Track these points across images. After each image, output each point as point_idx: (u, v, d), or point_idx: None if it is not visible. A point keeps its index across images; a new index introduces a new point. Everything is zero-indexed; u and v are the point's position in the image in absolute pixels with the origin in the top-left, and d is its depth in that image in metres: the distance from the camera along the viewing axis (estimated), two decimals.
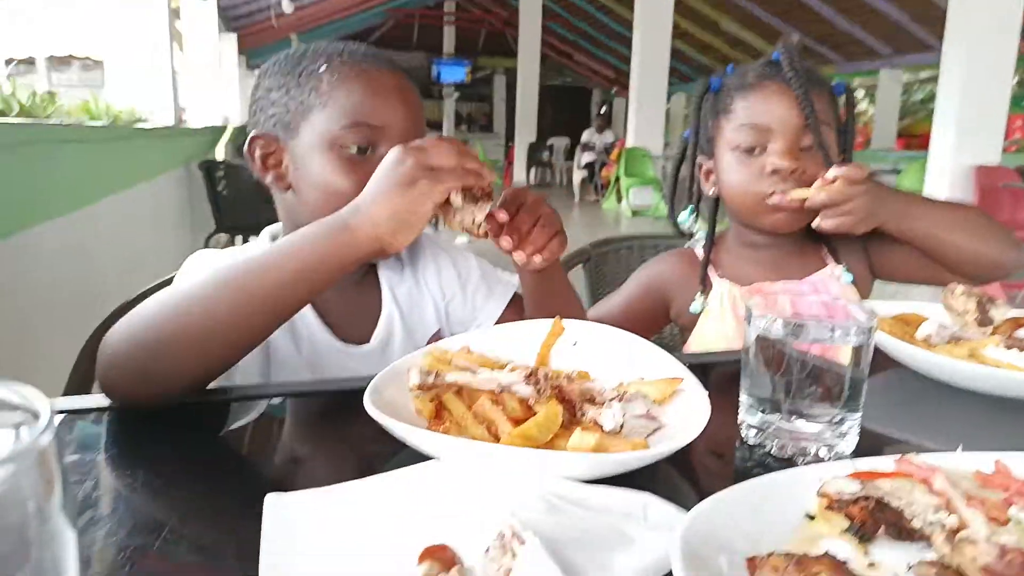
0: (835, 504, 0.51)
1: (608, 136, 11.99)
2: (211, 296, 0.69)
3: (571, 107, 19.01)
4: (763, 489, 0.53)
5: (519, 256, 0.82)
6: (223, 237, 5.03)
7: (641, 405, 0.62)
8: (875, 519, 0.50)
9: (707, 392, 0.66)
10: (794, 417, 0.66)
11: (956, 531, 0.47)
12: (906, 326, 0.93)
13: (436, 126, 19.94)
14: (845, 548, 0.50)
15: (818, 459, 0.65)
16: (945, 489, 0.50)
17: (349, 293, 0.98)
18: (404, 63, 0.95)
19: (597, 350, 0.76)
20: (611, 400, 0.64)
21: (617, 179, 9.98)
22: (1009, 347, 0.83)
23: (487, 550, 0.46)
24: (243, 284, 0.69)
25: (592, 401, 0.65)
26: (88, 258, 2.34)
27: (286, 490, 0.53)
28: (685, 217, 1.22)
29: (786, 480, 0.55)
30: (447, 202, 0.74)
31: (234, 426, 0.73)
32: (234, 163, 4.95)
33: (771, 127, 1.08)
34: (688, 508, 0.49)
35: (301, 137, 0.89)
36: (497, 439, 0.60)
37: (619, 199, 10.00)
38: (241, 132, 9.29)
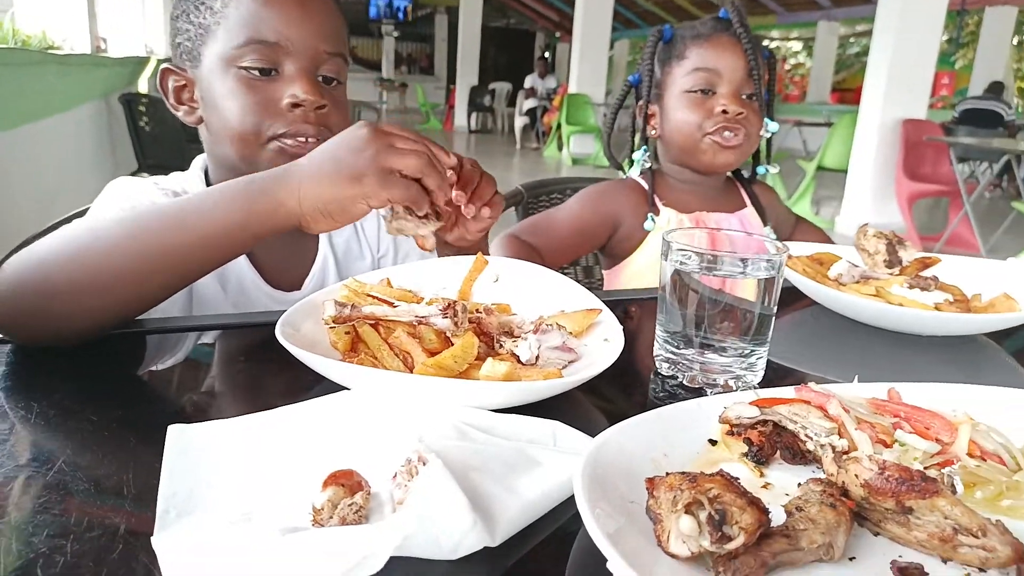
0: (735, 428, 0.53)
1: (551, 82, 11.88)
2: (119, 244, 0.64)
3: (514, 51, 18.71)
4: (669, 416, 0.55)
5: (469, 211, 0.73)
6: (145, 176, 4.83)
7: (557, 337, 0.62)
8: (772, 442, 0.52)
9: (623, 326, 0.67)
10: (705, 350, 0.68)
11: (845, 452, 0.49)
12: (820, 265, 0.96)
13: (374, 66, 19.35)
14: (742, 471, 0.52)
15: (727, 389, 0.67)
16: (838, 414, 0.52)
17: (284, 236, 0.94)
18: None
19: (518, 286, 0.76)
20: (527, 332, 0.64)
21: (559, 126, 9.92)
22: (912, 286, 0.86)
23: (394, 476, 0.46)
24: (152, 238, 0.64)
25: (510, 334, 0.66)
26: None
27: (192, 419, 0.52)
28: (640, 156, 1.32)
29: (692, 408, 0.56)
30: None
31: (146, 360, 0.70)
32: (158, 97, 4.71)
33: (721, 73, 1.20)
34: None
35: (203, 63, 0.83)
36: (412, 370, 0.59)
37: (560, 147, 9.96)
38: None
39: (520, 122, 11.83)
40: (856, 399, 0.58)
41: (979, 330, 0.82)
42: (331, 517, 0.42)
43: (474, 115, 14.01)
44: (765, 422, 0.52)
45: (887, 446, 0.51)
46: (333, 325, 0.62)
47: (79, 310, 0.64)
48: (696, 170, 1.28)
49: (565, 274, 1.56)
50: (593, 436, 0.51)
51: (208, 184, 0.92)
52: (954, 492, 0.45)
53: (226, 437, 0.50)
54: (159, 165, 4.70)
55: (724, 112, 1.19)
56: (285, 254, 0.93)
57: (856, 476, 0.43)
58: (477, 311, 0.68)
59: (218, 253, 0.65)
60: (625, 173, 1.41)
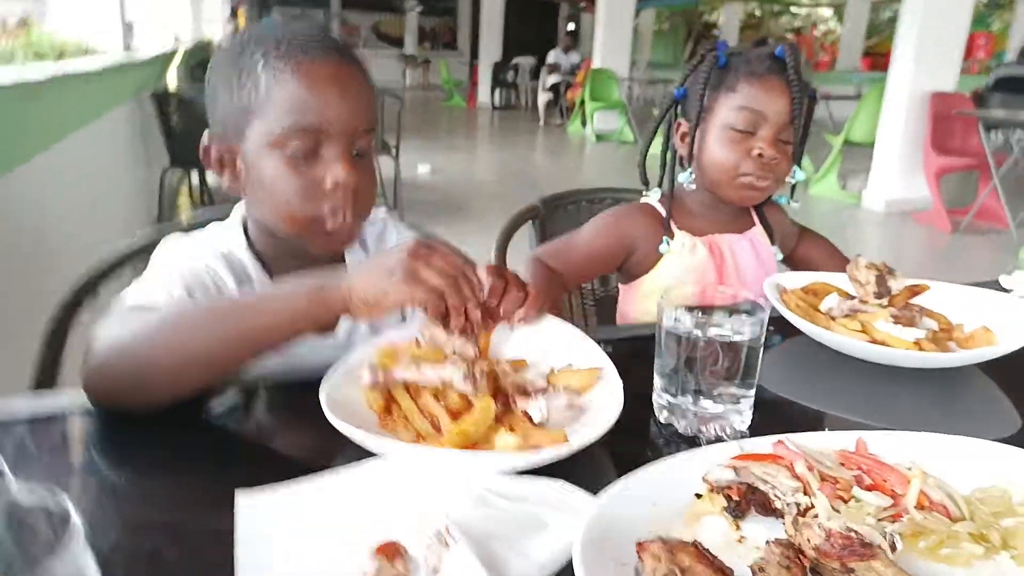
0: (715, 488, 0.61)
1: (574, 57, 11.81)
2: (205, 329, 0.74)
3: (538, 24, 18.47)
4: (662, 472, 0.64)
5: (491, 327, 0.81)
6: (178, 172, 4.96)
7: (563, 399, 0.72)
8: (747, 500, 0.60)
9: (628, 363, 0.76)
10: (700, 397, 0.76)
11: (810, 508, 0.58)
12: (814, 296, 1.03)
13: (397, 42, 19.32)
14: (722, 523, 0.60)
15: (719, 436, 0.75)
16: (803, 474, 0.61)
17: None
18: None
19: (532, 336, 0.85)
20: (539, 392, 0.74)
21: (582, 102, 9.90)
22: (897, 320, 0.94)
23: (427, 544, 0.55)
24: (232, 323, 0.74)
25: (524, 392, 0.75)
26: (40, 210, 2.33)
27: (254, 481, 0.62)
28: (686, 177, 1.35)
29: (681, 463, 0.65)
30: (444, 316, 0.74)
31: (202, 416, 0.80)
32: (186, 96, 4.82)
33: (767, 116, 1.24)
34: (603, 485, 0.60)
35: (248, 140, 0.90)
36: (439, 430, 0.69)
37: (584, 123, 9.95)
38: (192, 55, 8.96)
39: (543, 98, 11.80)
40: (826, 451, 0.66)
41: (956, 364, 0.89)
42: None
43: (497, 91, 13.98)
44: (741, 482, 0.61)
45: (845, 502, 0.60)
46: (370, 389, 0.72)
47: (168, 387, 0.74)
48: (720, 199, 1.34)
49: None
50: (597, 483, 0.60)
51: (247, 237, 1.00)
52: (894, 550, 0.53)
53: (287, 505, 0.60)
54: (190, 160, 4.83)
55: (760, 156, 1.24)
56: None
57: (808, 540, 0.52)
58: (497, 365, 0.77)
59: (286, 335, 0.75)
60: (648, 190, 1.45)
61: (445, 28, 20.26)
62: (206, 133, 0.95)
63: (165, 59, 6.06)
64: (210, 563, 0.55)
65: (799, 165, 1.29)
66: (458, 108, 14.32)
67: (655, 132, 1.43)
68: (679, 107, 1.37)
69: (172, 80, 6.41)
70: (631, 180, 1.62)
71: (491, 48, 14.13)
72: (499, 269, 0.79)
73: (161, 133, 4.68)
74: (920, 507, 0.60)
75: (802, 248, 1.48)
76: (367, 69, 0.95)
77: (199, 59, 9.66)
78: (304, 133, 0.88)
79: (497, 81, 13.89)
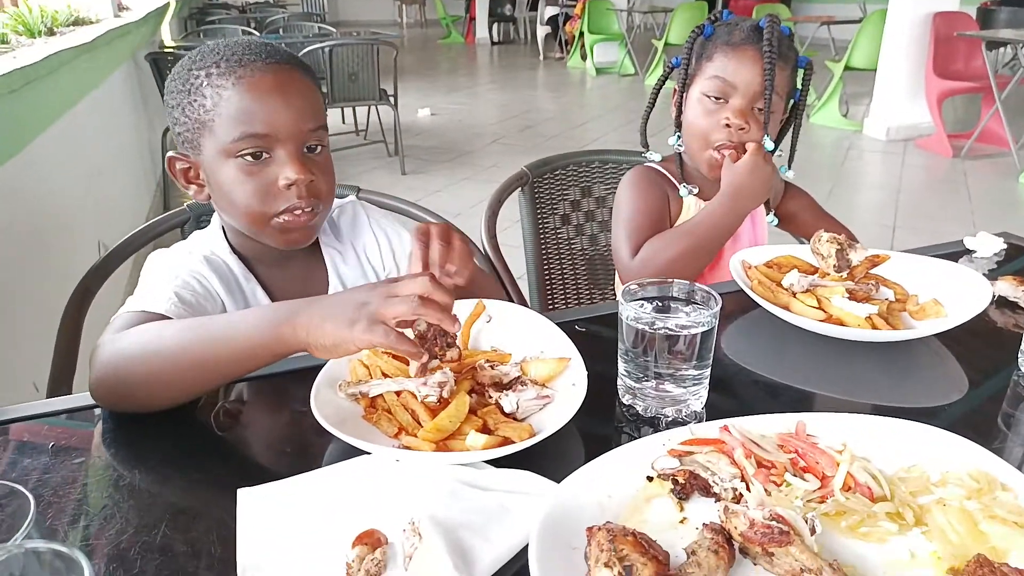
0: (662, 475, 0.69)
1: None
2: (180, 353, 0.80)
3: None
4: (619, 458, 0.71)
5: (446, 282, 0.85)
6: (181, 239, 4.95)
7: (532, 392, 0.79)
8: (690, 484, 0.68)
9: (590, 363, 0.83)
10: (660, 380, 0.83)
11: (742, 496, 0.65)
12: (778, 270, 1.09)
13: None
14: (669, 504, 0.68)
15: (676, 419, 0.82)
16: (740, 461, 0.68)
17: (296, 273, 1.09)
18: None
19: (507, 326, 0.92)
20: (512, 384, 0.81)
21: (581, 34, 9.71)
22: (853, 295, 0.99)
23: (404, 530, 0.63)
24: (202, 349, 0.79)
25: (499, 385, 0.82)
26: (51, 185, 2.39)
27: (251, 473, 0.71)
28: (674, 140, 1.42)
29: (637, 449, 0.72)
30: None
31: (200, 409, 0.87)
32: (182, 53, 4.79)
33: (736, 86, 1.29)
34: (569, 464, 0.68)
35: (204, 151, 0.96)
36: (419, 424, 0.76)
37: (584, 56, 9.77)
38: (183, 5, 8.81)
39: (542, 32, 11.56)
40: (768, 435, 0.73)
41: (900, 339, 0.95)
42: (359, 570, 0.60)
43: (496, 26, 13.67)
44: (684, 469, 0.68)
45: (778, 486, 0.67)
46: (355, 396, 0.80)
47: (154, 397, 0.82)
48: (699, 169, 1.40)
49: None
50: (564, 464, 0.68)
51: (227, 238, 1.07)
52: (813, 533, 0.60)
53: (283, 502, 0.68)
54: None
55: (727, 125, 1.29)
56: (298, 290, 1.05)
57: (736, 527, 0.59)
58: (486, 362, 0.84)
59: (250, 364, 0.80)
60: (648, 153, 1.50)
61: None
62: (169, 153, 1.02)
63: (157, 15, 5.98)
64: (218, 560, 0.63)
65: (769, 135, 1.31)
66: (456, 45, 14.04)
67: (656, 97, 1.49)
68: (679, 76, 1.41)
69: (166, 34, 6.34)
70: (633, 114, 1.67)
71: None
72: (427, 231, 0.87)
73: (160, 94, 4.67)
74: (847, 488, 0.67)
75: (786, 202, 1.53)
76: (310, 70, 1.01)
77: (191, 8, 9.51)
78: (253, 139, 0.94)
79: (494, 15, 13.57)
